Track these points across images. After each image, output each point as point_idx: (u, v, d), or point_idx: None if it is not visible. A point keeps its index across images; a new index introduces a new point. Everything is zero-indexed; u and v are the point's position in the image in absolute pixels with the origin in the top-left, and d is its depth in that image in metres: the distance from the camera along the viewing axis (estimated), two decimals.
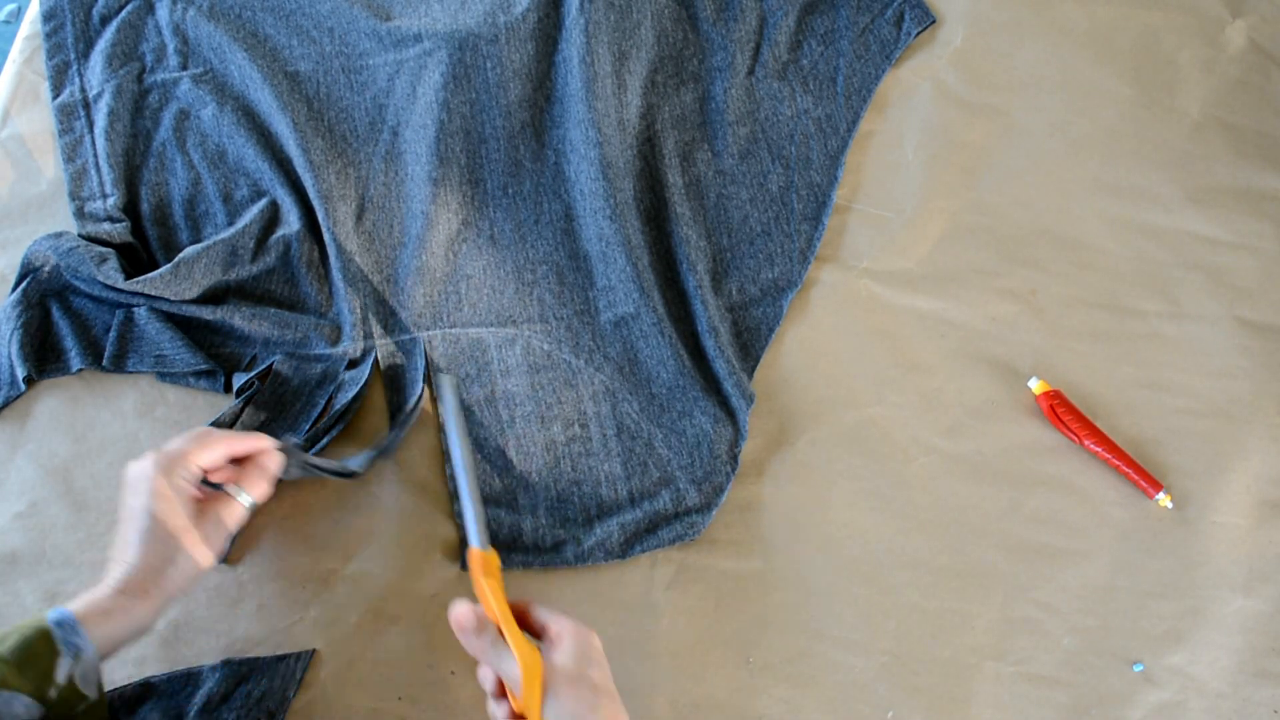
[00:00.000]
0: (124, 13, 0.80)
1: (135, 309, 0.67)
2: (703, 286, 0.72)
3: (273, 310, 0.69)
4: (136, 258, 0.71)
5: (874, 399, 0.70)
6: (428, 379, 0.68)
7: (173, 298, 0.67)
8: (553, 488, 0.66)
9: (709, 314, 0.70)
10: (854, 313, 0.73)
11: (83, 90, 0.77)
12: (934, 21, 0.84)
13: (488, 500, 0.65)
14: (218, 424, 0.64)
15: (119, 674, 0.59)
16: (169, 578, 0.53)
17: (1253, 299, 0.74)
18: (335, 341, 0.69)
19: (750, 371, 0.70)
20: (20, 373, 0.66)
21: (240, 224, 0.71)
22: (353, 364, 0.68)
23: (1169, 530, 0.66)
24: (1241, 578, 0.65)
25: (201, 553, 0.54)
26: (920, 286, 0.74)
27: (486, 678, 0.54)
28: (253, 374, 0.66)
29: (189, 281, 0.68)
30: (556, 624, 0.53)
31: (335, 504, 0.65)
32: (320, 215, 0.72)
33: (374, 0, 0.83)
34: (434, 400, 0.68)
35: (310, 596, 0.62)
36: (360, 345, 0.69)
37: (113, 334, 0.67)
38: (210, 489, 0.57)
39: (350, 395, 0.66)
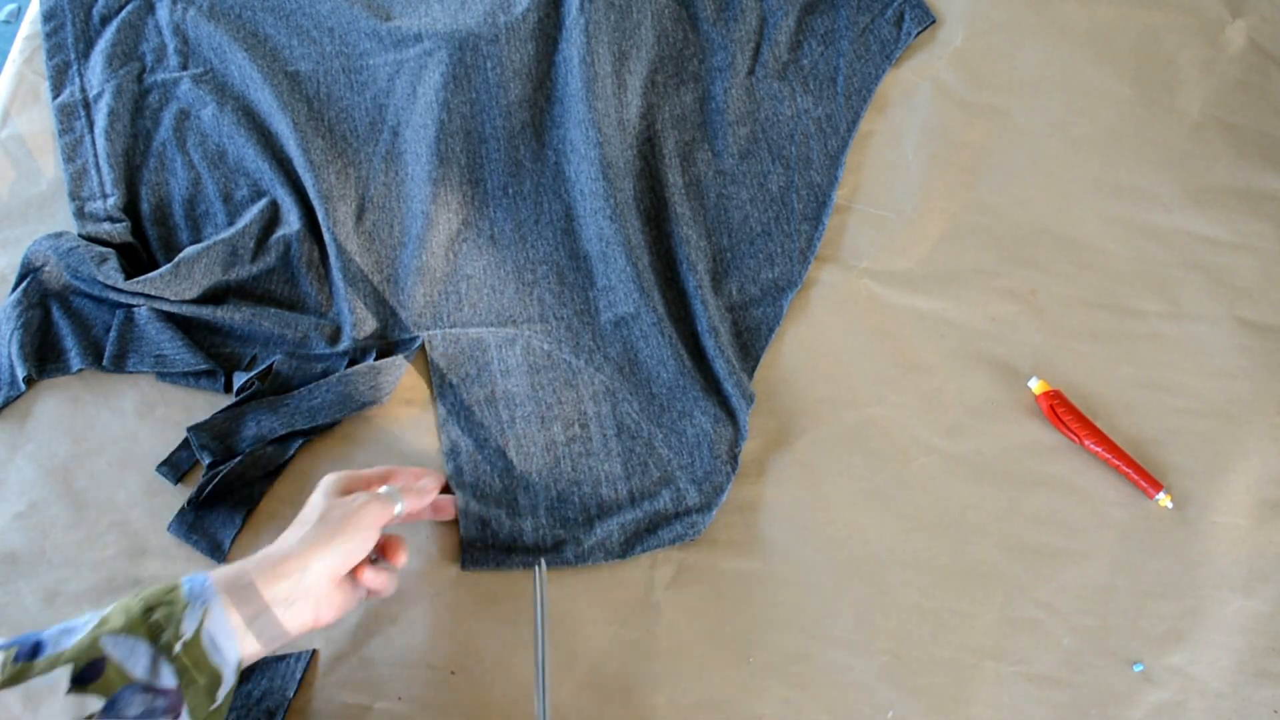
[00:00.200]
0: (124, 13, 0.80)
1: (135, 309, 0.67)
2: (703, 286, 0.72)
3: (273, 310, 0.69)
4: (136, 258, 0.71)
5: (874, 399, 0.70)
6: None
7: (173, 298, 0.67)
8: (553, 488, 0.66)
9: (709, 314, 0.70)
10: (854, 313, 0.73)
11: (83, 90, 0.77)
12: (934, 21, 0.84)
13: (488, 500, 0.65)
14: None
15: None
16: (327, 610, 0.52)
17: (1253, 299, 0.74)
18: (335, 341, 0.69)
19: (750, 371, 0.70)
20: (20, 372, 0.65)
21: (240, 224, 0.71)
22: (353, 364, 0.68)
23: (1169, 530, 0.66)
24: (1241, 578, 0.65)
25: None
26: (920, 286, 0.74)
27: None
28: (253, 374, 0.66)
29: (189, 281, 0.68)
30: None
31: None
32: (320, 215, 0.72)
33: (374, 0, 0.83)
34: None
35: None
36: (360, 345, 0.69)
37: (113, 334, 0.67)
38: None
39: None
